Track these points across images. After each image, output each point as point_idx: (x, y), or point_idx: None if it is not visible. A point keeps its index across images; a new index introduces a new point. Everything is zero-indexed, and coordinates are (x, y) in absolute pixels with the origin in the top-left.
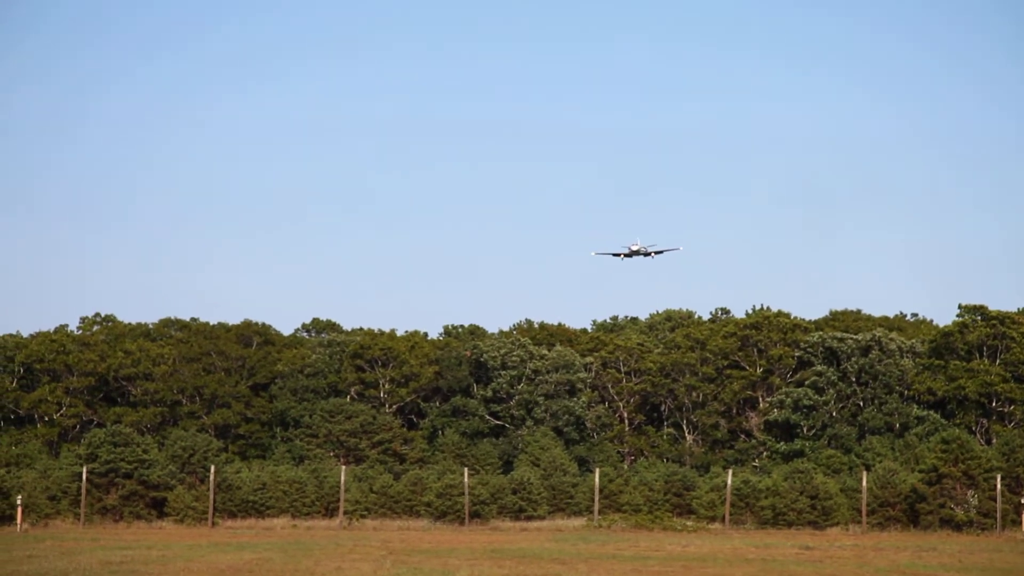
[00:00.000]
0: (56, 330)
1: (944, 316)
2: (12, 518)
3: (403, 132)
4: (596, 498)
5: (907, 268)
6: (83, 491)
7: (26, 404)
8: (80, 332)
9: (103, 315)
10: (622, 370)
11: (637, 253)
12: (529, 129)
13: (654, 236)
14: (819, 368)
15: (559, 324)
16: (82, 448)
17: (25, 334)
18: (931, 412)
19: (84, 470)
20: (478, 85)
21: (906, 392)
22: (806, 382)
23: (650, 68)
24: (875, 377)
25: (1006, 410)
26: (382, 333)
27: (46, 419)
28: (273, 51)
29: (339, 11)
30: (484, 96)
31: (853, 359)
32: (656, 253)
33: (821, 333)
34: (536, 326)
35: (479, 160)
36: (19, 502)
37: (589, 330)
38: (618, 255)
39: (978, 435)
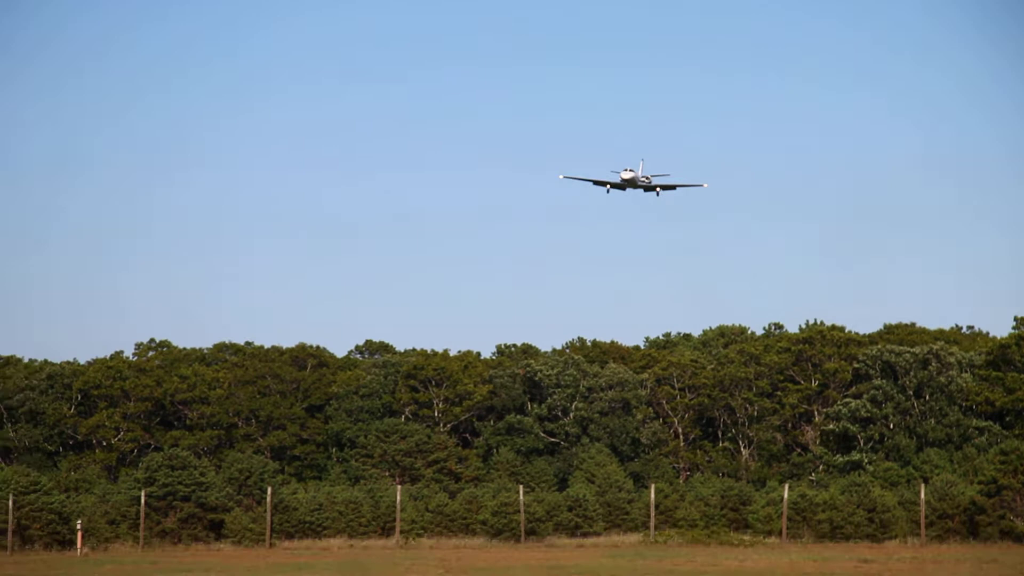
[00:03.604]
0: (112, 356)
1: (1000, 328)
2: (72, 542)
3: (451, 153)
4: (652, 514)
5: (961, 280)
6: (142, 514)
7: (84, 430)
8: (136, 358)
9: (158, 341)
10: (676, 386)
11: (633, 185)
12: (585, 148)
13: (703, 256)
14: (877, 382)
15: (612, 341)
16: (140, 472)
17: (82, 361)
18: (990, 423)
19: (143, 494)
20: (526, 105)
21: (964, 404)
22: (864, 395)
23: (708, 85)
24: (935, 390)
25: None
26: (435, 353)
27: (104, 444)
28: (323, 79)
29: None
30: (529, 115)
31: (912, 372)
32: (665, 188)
33: (878, 347)
34: (589, 344)
35: (528, 179)
36: (79, 526)
37: (642, 347)
38: (603, 184)
39: None
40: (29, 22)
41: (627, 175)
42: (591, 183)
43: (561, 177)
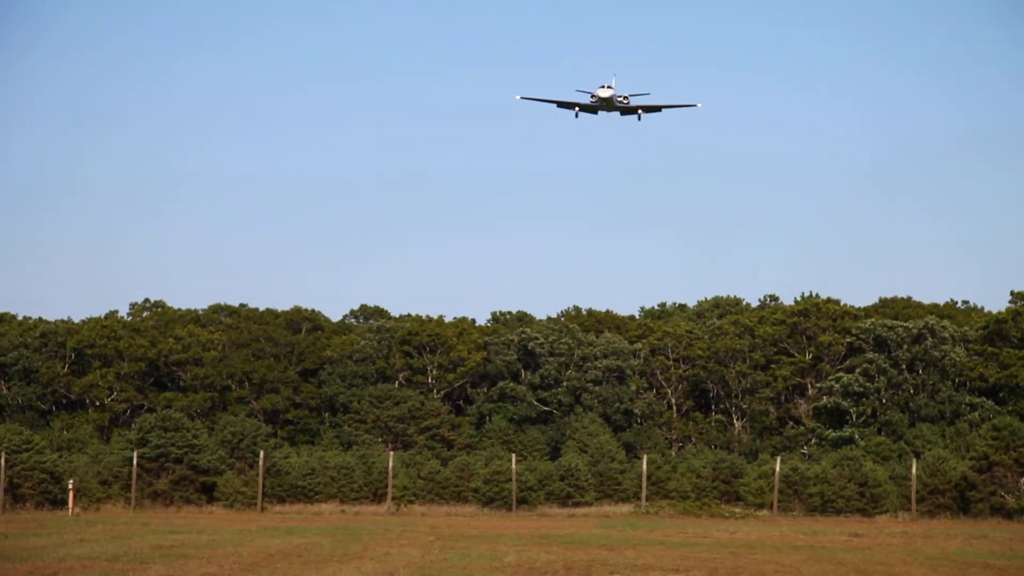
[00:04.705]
0: (107, 316)
1: (996, 303)
2: (64, 502)
3: (451, 119)
4: (644, 485)
5: (957, 254)
6: (134, 476)
7: (77, 389)
8: (130, 318)
9: (153, 301)
10: (671, 357)
11: (609, 106)
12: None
13: (702, 231)
14: (870, 355)
15: (607, 311)
16: (133, 433)
17: (76, 320)
18: (983, 399)
19: (135, 455)
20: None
21: (958, 379)
22: (856, 369)
23: (707, 50)
24: (928, 365)
25: None
26: (430, 319)
27: (97, 404)
28: (344, 48)
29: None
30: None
31: (904, 347)
32: (648, 109)
33: (872, 320)
34: (584, 312)
35: (526, 146)
36: (71, 486)
37: (637, 317)
38: (569, 106)
39: None
40: None
41: (604, 92)
42: (555, 105)
43: (519, 98)
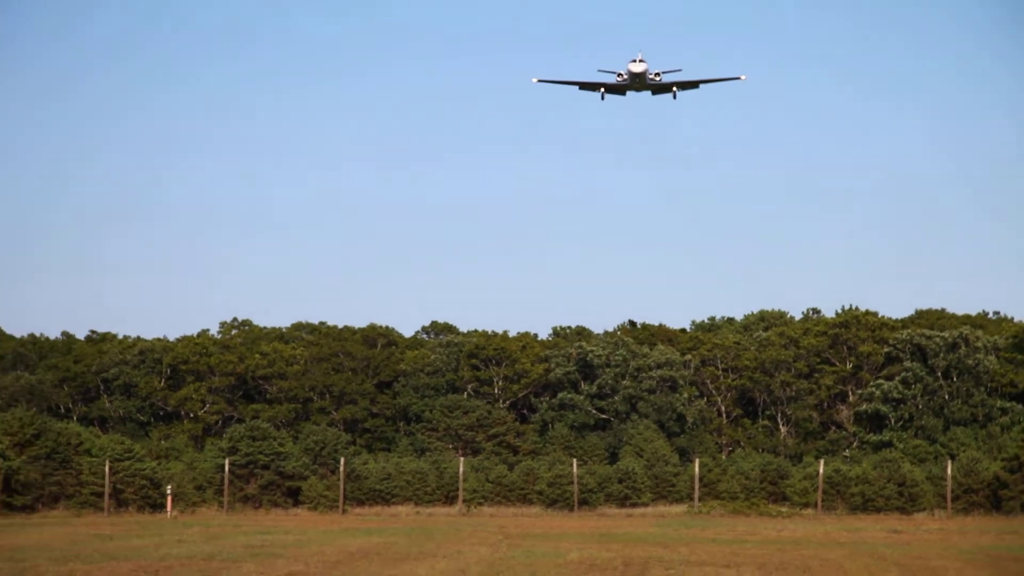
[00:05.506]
0: (199, 334)
1: None
2: (163, 506)
3: (512, 141)
4: (696, 486)
5: (989, 267)
6: (226, 481)
7: (173, 402)
8: (220, 336)
9: (240, 320)
10: (720, 367)
11: (641, 84)
12: (634, 144)
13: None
14: (907, 364)
15: (660, 325)
16: (224, 442)
17: (171, 338)
18: (1014, 404)
19: (227, 462)
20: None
21: (990, 385)
22: (895, 377)
23: (739, 61)
24: (962, 372)
25: None
26: (496, 335)
27: (191, 416)
28: (393, 54)
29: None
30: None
31: (941, 355)
32: (684, 86)
33: (909, 331)
34: (639, 326)
35: (587, 167)
36: (169, 491)
37: (688, 330)
38: (594, 87)
39: None
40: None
41: (637, 67)
42: (577, 87)
43: (535, 81)
